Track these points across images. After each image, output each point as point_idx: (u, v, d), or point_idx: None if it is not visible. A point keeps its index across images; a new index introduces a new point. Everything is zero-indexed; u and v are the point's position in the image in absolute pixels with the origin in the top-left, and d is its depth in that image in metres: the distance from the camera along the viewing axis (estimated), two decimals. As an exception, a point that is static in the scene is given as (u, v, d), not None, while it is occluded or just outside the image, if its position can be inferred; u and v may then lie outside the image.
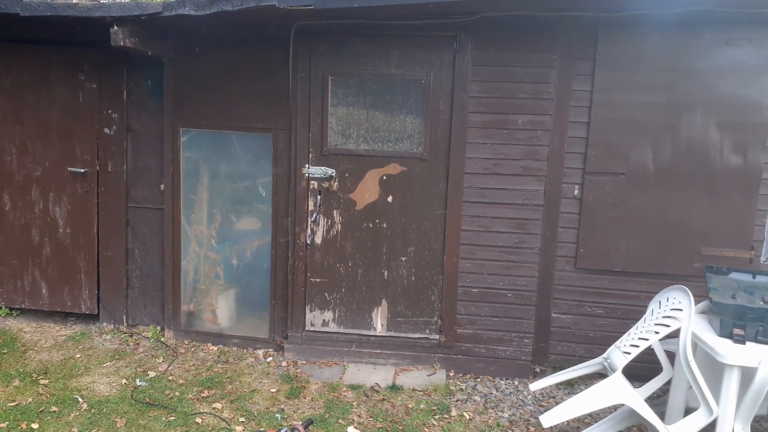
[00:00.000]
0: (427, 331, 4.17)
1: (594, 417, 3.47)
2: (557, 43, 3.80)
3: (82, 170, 4.46)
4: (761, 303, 2.94)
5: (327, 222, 4.15)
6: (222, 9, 3.40)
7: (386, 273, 4.15)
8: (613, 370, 2.90)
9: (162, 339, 4.45)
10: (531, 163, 3.91)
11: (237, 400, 3.60)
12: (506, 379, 4.04)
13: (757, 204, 3.74)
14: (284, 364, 4.14)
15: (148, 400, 3.55)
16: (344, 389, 3.79)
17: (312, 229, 4.16)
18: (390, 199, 4.08)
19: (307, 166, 4.10)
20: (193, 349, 4.33)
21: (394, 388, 3.83)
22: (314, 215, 4.14)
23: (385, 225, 4.11)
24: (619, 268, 3.92)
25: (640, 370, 3.37)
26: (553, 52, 3.81)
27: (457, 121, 3.92)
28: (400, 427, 3.35)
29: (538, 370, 4.11)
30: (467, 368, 4.11)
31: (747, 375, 2.66)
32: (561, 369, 3.57)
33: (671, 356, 3.03)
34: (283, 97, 4.07)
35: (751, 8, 3.50)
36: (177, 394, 3.64)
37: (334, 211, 4.14)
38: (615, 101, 3.79)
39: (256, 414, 3.44)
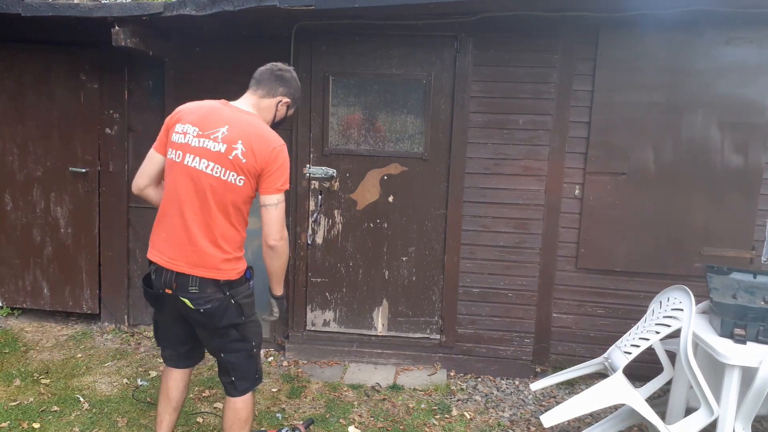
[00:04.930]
0: (428, 331, 4.17)
1: (595, 417, 3.47)
2: (558, 43, 3.80)
3: (84, 170, 4.47)
4: (762, 303, 2.94)
5: (328, 222, 4.16)
6: (223, 9, 3.41)
7: (387, 273, 4.15)
8: (614, 370, 2.90)
9: (163, 339, 4.45)
10: (532, 163, 3.91)
11: (238, 399, 3.60)
12: (507, 379, 4.04)
13: (758, 204, 3.74)
14: (285, 363, 4.14)
15: (149, 399, 3.55)
16: (345, 389, 3.80)
17: (313, 229, 4.17)
18: (391, 199, 4.08)
19: (308, 166, 4.11)
20: (194, 349, 4.33)
21: (394, 387, 3.83)
22: (315, 215, 4.14)
23: (385, 225, 4.11)
24: (619, 268, 3.92)
25: (641, 369, 3.37)
26: (554, 52, 3.81)
27: (458, 121, 3.92)
28: (401, 427, 3.35)
29: (538, 369, 4.11)
30: (468, 368, 4.11)
31: (748, 375, 2.66)
32: (562, 369, 3.57)
33: (672, 356, 3.03)
34: (284, 97, 4.06)
35: (752, 8, 3.50)
36: (178, 393, 3.64)
37: (335, 211, 4.14)
38: (616, 101, 3.79)
39: (257, 414, 3.44)
